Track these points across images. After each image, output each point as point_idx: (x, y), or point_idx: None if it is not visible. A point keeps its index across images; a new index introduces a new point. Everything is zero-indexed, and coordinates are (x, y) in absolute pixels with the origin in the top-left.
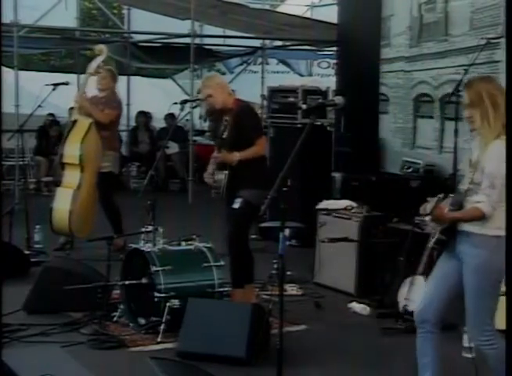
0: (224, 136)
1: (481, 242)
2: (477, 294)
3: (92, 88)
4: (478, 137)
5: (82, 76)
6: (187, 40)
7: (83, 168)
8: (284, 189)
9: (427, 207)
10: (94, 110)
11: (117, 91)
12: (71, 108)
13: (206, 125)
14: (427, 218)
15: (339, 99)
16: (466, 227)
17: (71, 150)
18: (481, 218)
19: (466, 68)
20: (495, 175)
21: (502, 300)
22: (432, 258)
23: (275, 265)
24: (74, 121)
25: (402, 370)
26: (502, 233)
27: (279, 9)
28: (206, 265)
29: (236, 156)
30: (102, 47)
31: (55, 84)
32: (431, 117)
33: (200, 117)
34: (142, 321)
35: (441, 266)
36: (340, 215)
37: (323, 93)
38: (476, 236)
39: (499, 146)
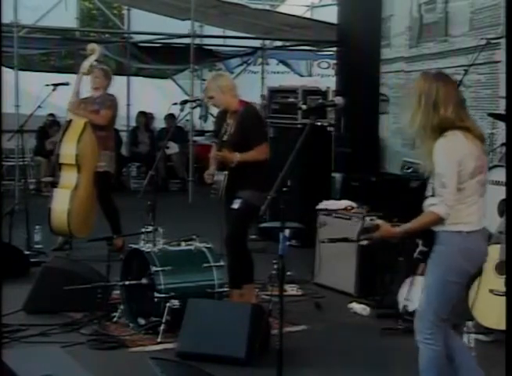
0: (224, 139)
1: (443, 238)
2: (426, 285)
3: (87, 88)
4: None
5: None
6: (187, 40)
7: (80, 167)
8: (284, 189)
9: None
10: (90, 115)
11: (110, 89)
12: None
13: (206, 125)
14: (365, 242)
15: (339, 100)
16: (436, 228)
17: (68, 149)
18: (438, 220)
19: (466, 68)
20: (443, 174)
21: (502, 300)
22: None
23: (276, 266)
24: (69, 121)
25: (401, 371)
26: (468, 228)
27: (279, 10)
28: (206, 265)
29: (237, 157)
30: (94, 46)
31: (56, 85)
32: None
33: (200, 118)
34: (142, 321)
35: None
36: (340, 216)
37: (323, 93)
38: (440, 234)
39: (441, 143)
